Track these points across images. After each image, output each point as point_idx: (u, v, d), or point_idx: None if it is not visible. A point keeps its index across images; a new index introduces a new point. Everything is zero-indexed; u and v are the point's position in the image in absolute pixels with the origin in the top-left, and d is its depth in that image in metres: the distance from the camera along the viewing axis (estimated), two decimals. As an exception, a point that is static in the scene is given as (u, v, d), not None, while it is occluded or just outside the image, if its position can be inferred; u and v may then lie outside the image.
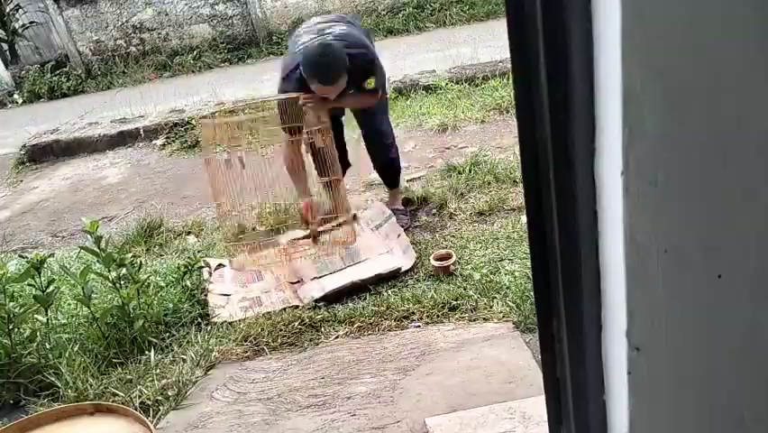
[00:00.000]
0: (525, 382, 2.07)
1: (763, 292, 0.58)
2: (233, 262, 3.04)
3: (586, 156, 0.57)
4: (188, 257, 2.99)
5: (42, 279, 2.46)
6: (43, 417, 1.68)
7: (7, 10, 9.37)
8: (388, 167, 3.43)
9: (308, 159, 3.06)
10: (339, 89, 2.85)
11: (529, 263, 0.71)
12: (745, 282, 0.58)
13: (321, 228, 3.26)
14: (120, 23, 9.06)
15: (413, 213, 3.46)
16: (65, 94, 8.59)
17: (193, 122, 5.78)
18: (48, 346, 2.50)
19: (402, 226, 3.20)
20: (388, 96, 3.36)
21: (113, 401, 2.14)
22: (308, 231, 3.24)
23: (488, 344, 2.31)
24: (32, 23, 9.66)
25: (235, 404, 2.23)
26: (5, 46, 9.52)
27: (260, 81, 6.72)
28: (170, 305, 2.77)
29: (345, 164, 3.50)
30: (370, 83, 2.89)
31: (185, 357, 2.45)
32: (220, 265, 3.13)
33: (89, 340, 2.58)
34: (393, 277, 2.88)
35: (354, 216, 3.26)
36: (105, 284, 2.75)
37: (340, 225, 3.21)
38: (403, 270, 2.91)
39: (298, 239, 3.28)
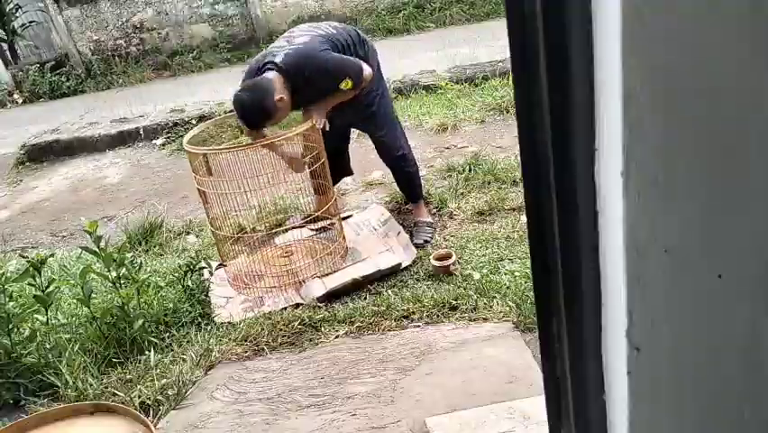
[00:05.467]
0: (525, 382, 2.07)
1: (763, 292, 0.58)
2: (227, 271, 3.04)
3: (586, 156, 0.57)
4: (190, 257, 2.99)
5: (42, 279, 2.46)
6: (43, 417, 1.68)
7: (7, 9, 9.36)
8: (402, 181, 3.30)
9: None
10: (278, 121, 2.87)
11: (529, 263, 0.71)
12: (745, 282, 0.58)
13: (308, 228, 3.27)
14: (120, 23, 9.06)
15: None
16: (65, 94, 8.59)
17: (192, 121, 5.79)
18: (48, 346, 2.50)
19: (423, 242, 3.08)
20: (388, 106, 3.18)
21: (112, 401, 2.14)
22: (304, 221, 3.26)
23: (488, 343, 2.31)
24: (31, 22, 9.67)
25: (235, 404, 2.23)
26: (5, 46, 9.52)
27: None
28: (170, 305, 2.77)
29: (344, 172, 3.45)
30: (347, 84, 2.80)
31: (185, 357, 2.46)
32: (221, 265, 3.13)
33: (89, 340, 2.58)
34: (394, 273, 2.89)
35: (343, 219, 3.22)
36: (104, 284, 2.75)
37: (325, 228, 3.20)
38: (404, 265, 2.91)
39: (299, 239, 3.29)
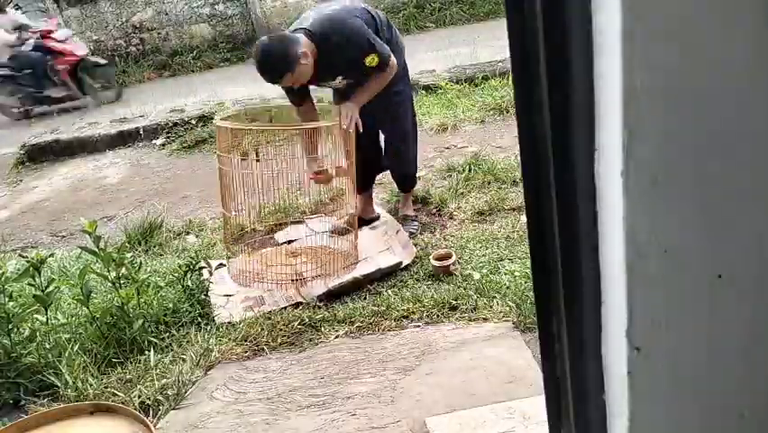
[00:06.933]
0: (525, 382, 2.07)
1: (763, 292, 0.58)
2: (230, 269, 3.03)
3: (586, 156, 0.57)
4: (190, 257, 2.99)
5: (42, 279, 2.46)
6: (43, 417, 1.68)
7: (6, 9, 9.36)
8: (398, 167, 3.32)
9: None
10: (296, 82, 2.80)
11: (529, 263, 0.71)
12: (745, 282, 0.58)
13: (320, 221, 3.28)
14: (120, 23, 9.06)
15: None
16: (65, 93, 8.58)
17: (192, 121, 5.79)
18: (47, 346, 2.50)
19: (410, 234, 3.14)
20: (409, 89, 3.24)
21: (112, 401, 2.14)
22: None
23: (488, 343, 2.31)
24: (31, 22, 9.66)
25: (235, 404, 2.23)
26: (5, 46, 9.51)
27: (261, 81, 6.72)
28: (170, 305, 2.77)
29: (383, 165, 3.41)
30: (372, 60, 2.77)
31: (185, 357, 2.46)
32: (220, 265, 3.13)
33: (89, 340, 2.58)
34: (393, 272, 2.89)
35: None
36: (104, 284, 2.75)
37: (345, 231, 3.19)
38: (404, 264, 2.92)
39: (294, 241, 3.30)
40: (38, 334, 2.52)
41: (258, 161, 2.86)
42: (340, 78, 2.94)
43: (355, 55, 2.77)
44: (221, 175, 2.93)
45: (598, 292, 0.61)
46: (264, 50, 2.71)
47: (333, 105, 3.14)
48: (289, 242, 3.34)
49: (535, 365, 2.12)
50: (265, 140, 3.04)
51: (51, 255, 2.90)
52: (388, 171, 3.43)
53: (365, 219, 3.34)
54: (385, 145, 3.27)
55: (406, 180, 3.38)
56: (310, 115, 3.09)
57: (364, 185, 3.32)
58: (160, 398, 2.27)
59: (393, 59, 2.86)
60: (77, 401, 2.21)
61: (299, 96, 3.04)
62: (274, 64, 2.71)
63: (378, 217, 3.40)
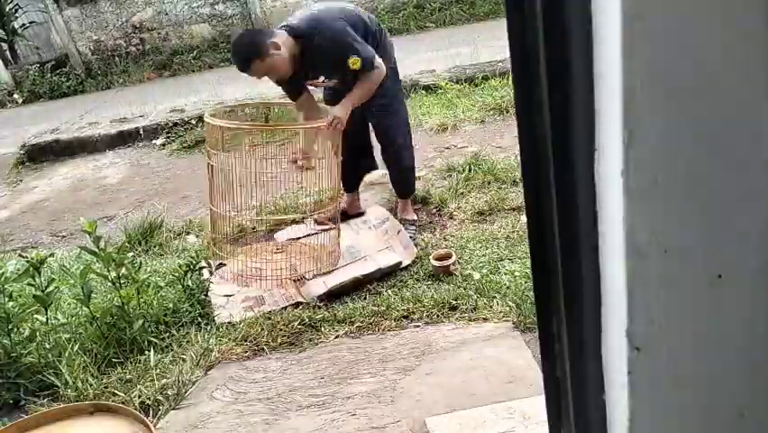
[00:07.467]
0: (525, 382, 2.07)
1: (763, 292, 0.58)
2: (227, 272, 3.03)
3: (586, 156, 0.57)
4: (190, 257, 2.99)
5: (42, 279, 2.46)
6: (43, 417, 1.68)
7: (7, 9, 9.36)
8: (396, 173, 3.35)
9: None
10: (259, 75, 2.86)
11: (529, 263, 0.71)
12: (745, 282, 0.58)
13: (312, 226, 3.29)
14: (120, 23, 9.05)
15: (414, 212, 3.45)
16: (65, 93, 8.59)
17: (192, 121, 5.79)
18: (47, 346, 2.50)
19: (410, 237, 3.14)
20: (400, 91, 3.33)
21: (112, 401, 2.14)
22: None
23: (488, 343, 2.31)
24: (31, 22, 9.67)
25: (235, 404, 2.23)
26: (5, 46, 9.52)
27: (260, 81, 6.70)
28: (170, 305, 2.77)
29: (369, 165, 3.46)
30: (354, 62, 2.79)
31: (185, 357, 2.46)
32: (221, 265, 3.13)
33: (89, 340, 2.58)
34: (393, 272, 2.88)
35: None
36: (104, 284, 2.75)
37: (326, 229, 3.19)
38: (404, 264, 2.91)
39: (296, 239, 3.30)
40: (38, 334, 2.52)
41: (254, 146, 2.91)
42: (323, 77, 2.99)
43: (338, 57, 2.82)
44: (210, 172, 2.95)
45: (598, 292, 0.61)
46: (235, 40, 2.97)
47: (325, 104, 3.16)
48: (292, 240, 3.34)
49: (535, 365, 2.12)
50: (263, 139, 3.06)
51: (51, 255, 2.90)
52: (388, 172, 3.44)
53: (351, 214, 3.43)
54: (381, 153, 3.31)
55: (402, 188, 3.39)
56: (309, 104, 3.16)
57: (351, 186, 3.41)
58: (159, 398, 2.27)
59: (379, 61, 2.87)
60: (77, 401, 2.21)
61: (293, 89, 3.11)
62: (242, 51, 2.84)
63: (363, 213, 3.46)
